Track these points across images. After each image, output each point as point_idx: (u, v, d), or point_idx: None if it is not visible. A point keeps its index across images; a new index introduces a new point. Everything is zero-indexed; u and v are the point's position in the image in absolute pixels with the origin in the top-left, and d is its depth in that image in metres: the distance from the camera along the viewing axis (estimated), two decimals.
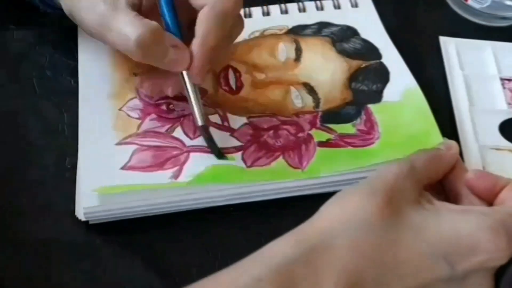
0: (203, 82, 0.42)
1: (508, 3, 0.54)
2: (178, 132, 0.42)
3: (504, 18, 0.54)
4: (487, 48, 0.52)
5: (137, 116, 0.43)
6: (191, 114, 0.43)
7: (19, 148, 0.43)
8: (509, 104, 0.48)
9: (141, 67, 0.45)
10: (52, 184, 0.41)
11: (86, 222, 0.39)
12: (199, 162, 0.41)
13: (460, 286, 0.33)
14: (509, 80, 0.50)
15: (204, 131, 0.41)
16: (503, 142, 0.46)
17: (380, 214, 0.32)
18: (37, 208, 0.40)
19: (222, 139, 0.42)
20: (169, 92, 0.43)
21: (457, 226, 0.33)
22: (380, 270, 0.31)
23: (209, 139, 0.41)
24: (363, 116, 0.44)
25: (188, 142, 0.42)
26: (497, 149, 0.45)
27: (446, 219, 0.33)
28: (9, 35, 0.49)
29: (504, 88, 0.49)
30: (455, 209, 0.35)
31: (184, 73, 0.41)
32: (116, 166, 0.40)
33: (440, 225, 0.33)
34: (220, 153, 0.41)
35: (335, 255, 0.31)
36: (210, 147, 0.41)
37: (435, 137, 0.43)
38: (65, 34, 0.49)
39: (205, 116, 0.41)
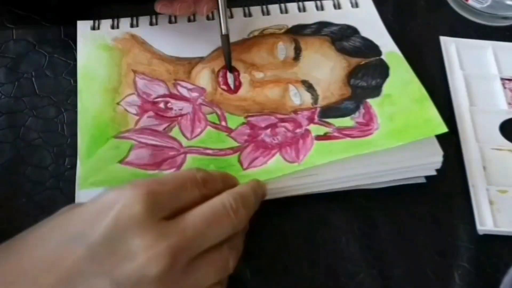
0: None
1: (509, 2, 0.54)
2: (175, 132, 0.42)
3: (504, 17, 0.54)
4: (487, 48, 0.52)
5: (134, 112, 0.43)
6: (188, 113, 0.43)
7: (19, 147, 0.43)
8: (509, 104, 0.48)
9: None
10: (51, 183, 0.41)
11: None
12: (196, 166, 0.40)
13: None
14: (509, 80, 0.50)
15: (226, 40, 0.45)
16: (504, 142, 0.45)
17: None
18: (36, 208, 0.40)
19: (219, 140, 0.42)
20: (204, 11, 0.46)
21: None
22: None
23: (228, 51, 0.46)
24: (362, 110, 0.44)
25: (185, 142, 0.42)
26: (498, 149, 0.45)
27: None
28: (9, 35, 0.49)
29: (504, 88, 0.49)
30: None
31: None
32: (114, 159, 0.40)
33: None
34: (231, 67, 0.46)
35: None
36: (226, 58, 0.46)
37: (436, 123, 0.42)
38: (65, 33, 0.49)
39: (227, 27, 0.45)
